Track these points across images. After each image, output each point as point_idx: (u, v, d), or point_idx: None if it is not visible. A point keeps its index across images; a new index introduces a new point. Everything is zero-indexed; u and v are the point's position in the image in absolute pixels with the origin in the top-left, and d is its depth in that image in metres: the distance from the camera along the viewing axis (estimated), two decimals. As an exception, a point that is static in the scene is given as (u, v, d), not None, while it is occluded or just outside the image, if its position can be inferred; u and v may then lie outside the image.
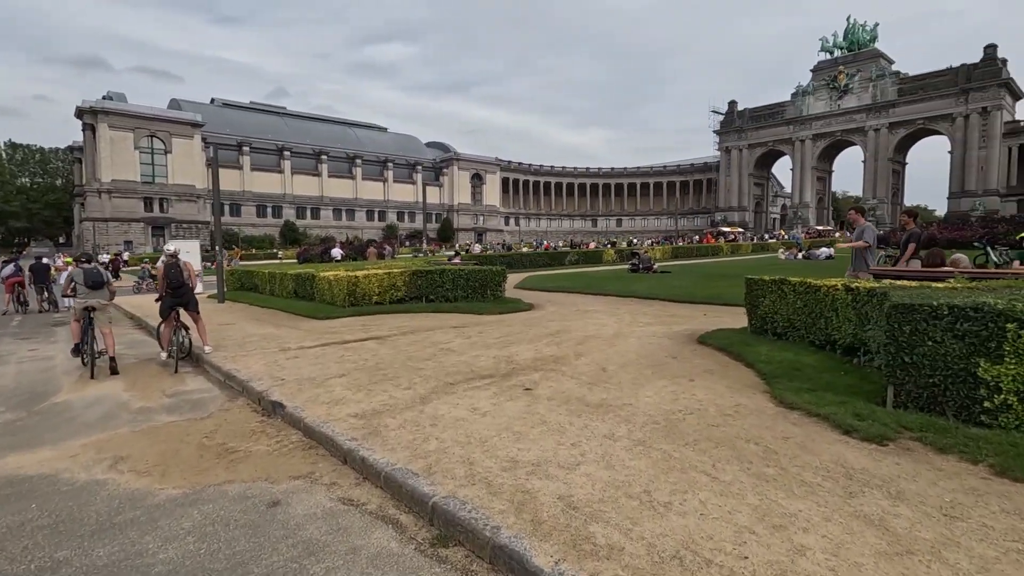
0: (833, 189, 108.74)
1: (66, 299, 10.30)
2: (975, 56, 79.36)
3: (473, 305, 12.71)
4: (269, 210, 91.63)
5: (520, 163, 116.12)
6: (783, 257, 31.14)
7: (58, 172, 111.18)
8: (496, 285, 13.21)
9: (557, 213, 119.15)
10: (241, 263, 49.44)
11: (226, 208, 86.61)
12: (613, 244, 79.77)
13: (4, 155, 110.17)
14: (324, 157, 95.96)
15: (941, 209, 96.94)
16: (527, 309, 12.47)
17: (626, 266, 25.64)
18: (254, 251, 74.34)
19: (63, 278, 12.25)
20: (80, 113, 76.10)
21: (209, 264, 25.25)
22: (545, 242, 78.76)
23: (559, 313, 11.98)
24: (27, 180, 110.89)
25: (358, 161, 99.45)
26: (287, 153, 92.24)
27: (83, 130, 78.61)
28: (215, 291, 20.63)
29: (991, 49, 77.09)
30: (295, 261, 47.99)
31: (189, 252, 23.21)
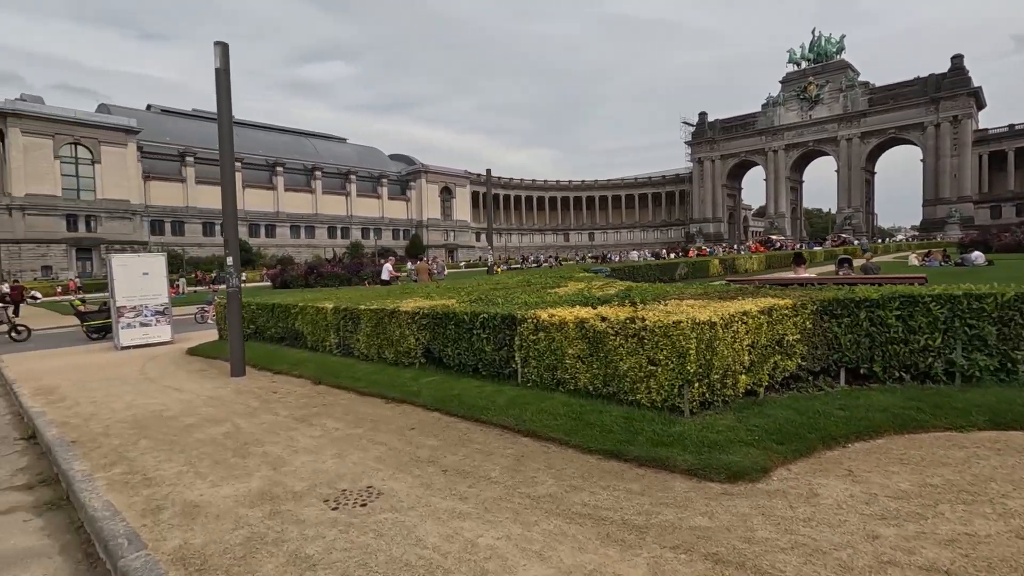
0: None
1: None
2: (907, 72, 79.11)
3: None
4: (217, 228, 79.02)
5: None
6: (919, 263, 24.96)
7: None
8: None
9: (528, 228, 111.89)
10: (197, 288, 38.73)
11: (167, 225, 74.07)
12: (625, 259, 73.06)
13: None
14: (279, 169, 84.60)
15: (910, 218, 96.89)
16: None
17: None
18: (201, 275, 62.36)
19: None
20: (-15, 116, 61.85)
21: (201, 289, 15.70)
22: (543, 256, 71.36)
23: None
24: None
25: (318, 173, 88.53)
26: (237, 164, 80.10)
27: (-11, 136, 64.27)
28: (204, 339, 11.48)
29: (958, 59, 76.66)
30: (269, 285, 37.83)
31: (148, 273, 13.84)
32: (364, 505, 3.74)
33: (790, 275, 7.82)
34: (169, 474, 4.53)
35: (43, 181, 61.32)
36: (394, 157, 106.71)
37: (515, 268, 53.70)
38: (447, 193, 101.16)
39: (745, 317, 4.86)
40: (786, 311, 5.09)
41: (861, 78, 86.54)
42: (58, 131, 62.78)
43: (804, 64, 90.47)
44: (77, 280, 53.01)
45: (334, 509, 3.70)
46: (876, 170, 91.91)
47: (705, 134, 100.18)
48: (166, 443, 5.36)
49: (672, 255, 47.68)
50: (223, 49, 8.07)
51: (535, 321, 5.73)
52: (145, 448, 5.25)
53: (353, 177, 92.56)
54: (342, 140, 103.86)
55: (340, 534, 3.33)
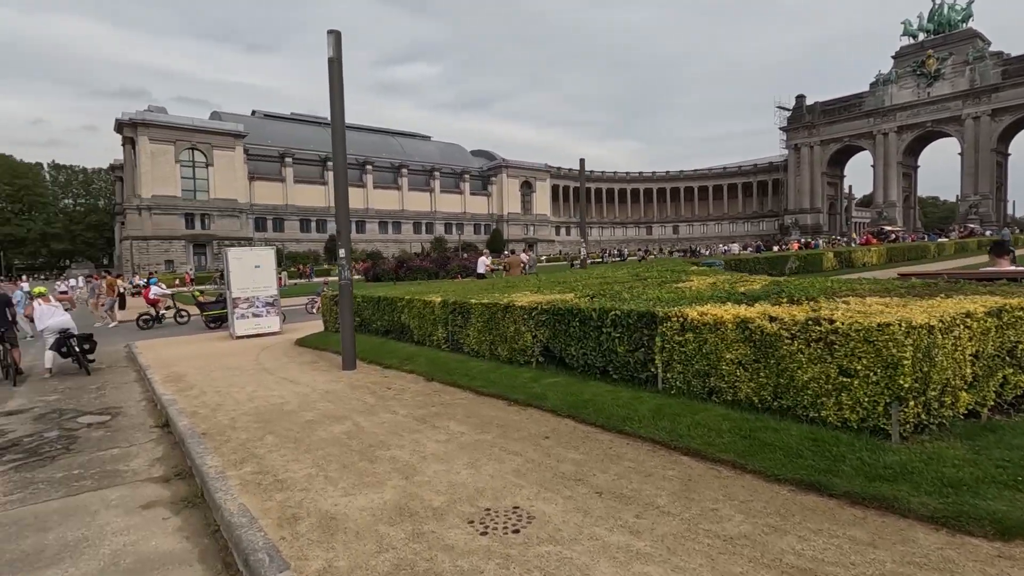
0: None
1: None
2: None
3: None
4: (313, 224, 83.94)
5: (570, 169, 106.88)
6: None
7: (100, 192, 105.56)
8: None
9: (609, 221, 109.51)
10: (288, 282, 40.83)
11: (268, 223, 79.25)
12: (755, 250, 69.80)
13: (48, 177, 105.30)
14: (369, 167, 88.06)
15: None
16: None
17: (888, 272, 15.82)
18: (301, 268, 66.38)
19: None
20: (120, 127, 69.25)
21: (302, 282, 16.24)
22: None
23: None
24: (70, 202, 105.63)
25: (404, 171, 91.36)
26: (331, 164, 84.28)
27: (123, 145, 71.90)
28: (309, 329, 11.88)
29: (1119, 20, 65.69)
30: (362, 278, 39.25)
31: (260, 265, 14.38)
32: (517, 532, 3.22)
33: (989, 268, 6.46)
34: (299, 476, 4.27)
35: (166, 183, 67.59)
36: (476, 153, 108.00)
37: (597, 262, 52.38)
38: (527, 187, 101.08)
39: (968, 320, 3.87)
40: (1020, 313, 4.03)
41: (992, 48, 76.56)
42: (178, 138, 68.89)
43: (922, 36, 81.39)
44: (191, 272, 58.11)
45: (483, 534, 3.21)
46: (1010, 151, 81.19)
47: (803, 118, 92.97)
48: (291, 440, 5.18)
49: (776, 248, 44.45)
50: (336, 38, 7.94)
51: (681, 320, 4.99)
52: (271, 445, 5.08)
53: (437, 174, 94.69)
54: (426, 138, 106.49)
55: (499, 569, 2.83)
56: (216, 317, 16.76)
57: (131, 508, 4.19)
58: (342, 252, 8.27)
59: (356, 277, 43.61)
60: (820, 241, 64.16)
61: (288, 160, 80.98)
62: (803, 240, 58.04)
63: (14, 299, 12.63)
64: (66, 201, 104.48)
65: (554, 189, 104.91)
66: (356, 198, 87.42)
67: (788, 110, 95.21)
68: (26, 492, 4.58)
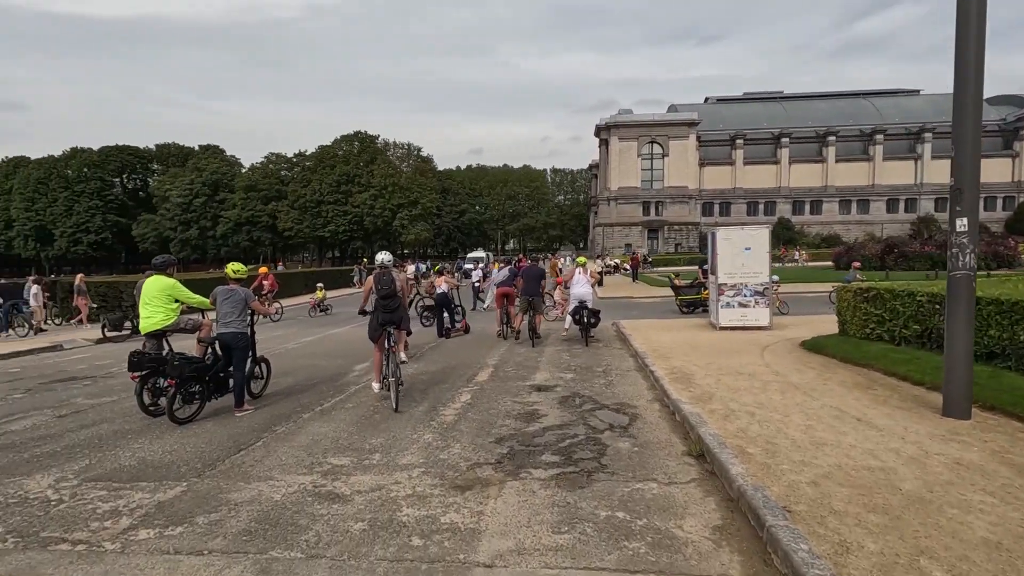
0: None
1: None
2: None
3: None
4: (760, 207, 78.43)
5: None
6: None
7: (580, 189, 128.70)
8: None
9: None
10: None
11: (715, 207, 78.35)
12: None
13: (549, 179, 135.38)
14: (831, 139, 75.57)
15: None
16: None
17: None
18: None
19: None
20: (597, 131, 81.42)
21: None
22: None
23: None
24: (562, 197, 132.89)
25: (878, 137, 74.37)
26: (784, 140, 76.55)
27: (599, 146, 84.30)
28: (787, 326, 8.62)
29: None
30: (831, 266, 32.98)
31: (751, 248, 12.15)
32: None
33: None
34: None
35: (628, 176, 75.52)
36: (993, 100, 78.11)
37: None
38: (1097, 137, 66.38)
39: None
40: None
41: None
42: (640, 134, 75.66)
43: None
44: (639, 253, 62.85)
45: None
46: None
47: None
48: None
49: None
50: None
51: None
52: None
53: (928, 136, 73.19)
54: (913, 92, 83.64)
55: None
56: (690, 302, 15.73)
57: (731, 663, 2.37)
58: (959, 223, 4.86)
59: (820, 264, 37.18)
60: None
61: (739, 142, 77.74)
62: None
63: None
64: (559, 197, 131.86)
65: None
66: (813, 175, 76.98)
67: None
68: (574, 533, 3.45)
